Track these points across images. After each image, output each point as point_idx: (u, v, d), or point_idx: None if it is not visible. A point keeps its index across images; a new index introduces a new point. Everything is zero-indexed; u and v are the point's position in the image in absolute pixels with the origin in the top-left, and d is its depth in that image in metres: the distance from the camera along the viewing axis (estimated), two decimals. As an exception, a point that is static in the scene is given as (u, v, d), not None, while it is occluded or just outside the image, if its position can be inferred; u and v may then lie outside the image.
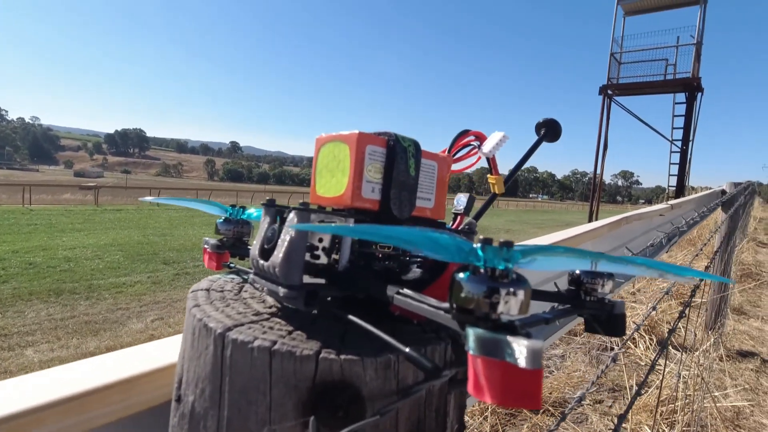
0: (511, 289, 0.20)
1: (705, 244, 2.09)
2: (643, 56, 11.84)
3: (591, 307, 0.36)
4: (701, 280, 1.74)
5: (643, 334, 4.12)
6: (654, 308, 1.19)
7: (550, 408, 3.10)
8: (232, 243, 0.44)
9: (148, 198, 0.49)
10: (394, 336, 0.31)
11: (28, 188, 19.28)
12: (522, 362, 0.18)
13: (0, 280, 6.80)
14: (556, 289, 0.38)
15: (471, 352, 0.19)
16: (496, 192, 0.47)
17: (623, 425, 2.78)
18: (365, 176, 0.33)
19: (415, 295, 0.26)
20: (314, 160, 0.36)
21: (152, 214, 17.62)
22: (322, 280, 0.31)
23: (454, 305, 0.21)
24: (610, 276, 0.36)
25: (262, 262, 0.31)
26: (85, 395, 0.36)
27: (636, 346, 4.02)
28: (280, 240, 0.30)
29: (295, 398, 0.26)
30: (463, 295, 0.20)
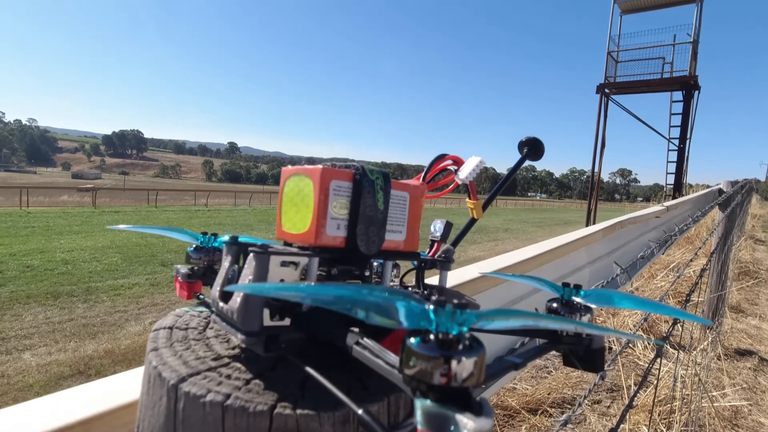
0: (464, 358, 0.18)
1: (701, 246, 2.08)
2: (640, 54, 11.85)
3: (568, 341, 0.35)
4: (698, 280, 1.73)
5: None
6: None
7: (548, 409, 3.09)
8: (203, 272, 0.43)
9: (121, 226, 0.47)
10: (360, 380, 0.30)
11: (25, 190, 19.23)
12: (467, 445, 0.17)
13: (-3, 284, 6.79)
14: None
15: (419, 427, 0.18)
16: (475, 217, 0.46)
17: (622, 426, 2.77)
18: (330, 213, 0.32)
19: (374, 348, 0.24)
20: (280, 193, 0.35)
21: (151, 216, 17.59)
22: (286, 321, 0.30)
23: (404, 371, 0.19)
24: (588, 309, 0.35)
25: (221, 304, 0.30)
26: (44, 438, 0.34)
27: (634, 346, 4.01)
28: (239, 283, 0.28)
29: (249, 455, 0.24)
30: (412, 363, 0.19)
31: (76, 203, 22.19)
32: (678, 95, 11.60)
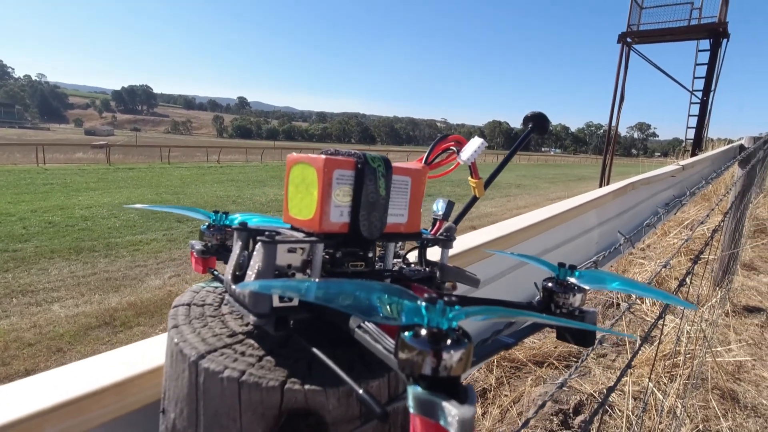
0: (452, 351, 0.20)
1: (716, 205, 2.06)
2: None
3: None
4: (710, 240, 1.73)
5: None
6: (665, 266, 1.19)
7: (554, 362, 3.20)
8: (217, 248, 0.45)
9: (137, 205, 0.50)
10: (361, 356, 0.33)
11: (41, 148, 19.46)
12: (452, 429, 0.19)
13: (22, 239, 7.03)
14: (536, 295, 0.39)
15: (411, 411, 0.20)
16: (477, 195, 0.47)
17: (624, 378, 2.87)
18: (333, 200, 0.33)
19: (374, 332, 0.27)
20: (286, 178, 0.36)
21: (164, 173, 17.77)
22: (294, 302, 0.32)
23: (399, 360, 0.22)
24: (581, 289, 0.37)
25: (234, 287, 0.32)
26: (81, 399, 0.38)
27: (642, 302, 4.07)
28: (249, 270, 0.30)
29: (264, 425, 0.27)
30: (404, 354, 0.21)
31: (90, 160, 22.45)
32: (705, 44, 11.02)
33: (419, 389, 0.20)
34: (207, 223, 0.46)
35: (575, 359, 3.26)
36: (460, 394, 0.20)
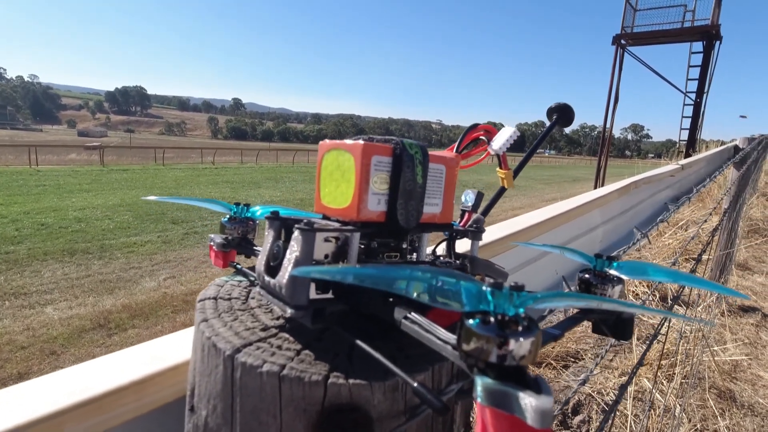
0: (521, 338, 0.19)
1: (715, 207, 2.07)
2: (660, 1, 11.25)
3: (600, 311, 0.36)
4: (710, 239, 1.74)
5: (646, 290, 4.17)
6: (674, 264, 1.18)
7: (552, 362, 3.20)
8: (238, 242, 0.44)
9: (152, 197, 0.48)
10: (401, 349, 0.31)
11: (34, 149, 19.26)
12: (531, 421, 0.18)
13: (15, 241, 6.94)
14: (557, 287, 0.38)
15: (479, 402, 0.19)
16: (506, 186, 0.46)
17: (623, 378, 2.87)
18: (371, 188, 0.32)
19: (423, 323, 0.25)
20: (318, 166, 0.35)
21: (158, 174, 17.64)
22: (329, 294, 0.31)
23: (462, 349, 0.20)
24: (620, 281, 0.36)
25: (268, 279, 0.31)
26: (101, 398, 0.37)
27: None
28: (285, 260, 0.29)
29: (305, 421, 0.26)
30: (471, 342, 0.20)
31: (84, 161, 22.26)
32: (698, 46, 11.12)
33: (489, 380, 0.19)
34: (228, 216, 0.44)
35: (573, 359, 3.26)
36: (532, 384, 0.19)
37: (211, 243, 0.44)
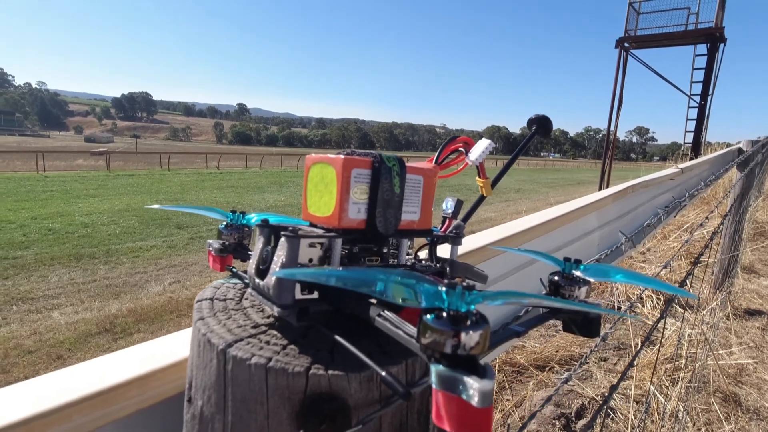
0: (471, 331, 0.22)
1: (715, 209, 2.08)
2: (663, 5, 11.26)
3: (567, 311, 0.38)
4: (709, 243, 1.75)
5: (651, 293, 4.16)
6: (666, 266, 1.20)
7: (556, 366, 3.20)
8: (234, 247, 0.47)
9: (155, 206, 0.51)
10: (380, 345, 0.34)
11: (41, 155, 19.49)
12: (474, 401, 0.21)
13: (22, 246, 7.03)
14: (541, 291, 0.41)
15: (433, 387, 0.22)
16: (484, 194, 0.49)
17: (627, 381, 2.87)
18: (351, 198, 0.35)
19: (394, 320, 0.28)
20: (305, 178, 0.38)
21: (164, 179, 17.80)
22: (314, 295, 0.34)
23: (421, 342, 0.23)
24: (586, 282, 0.39)
25: (258, 280, 0.34)
26: (106, 392, 0.40)
27: (644, 306, 4.07)
28: (273, 264, 0.32)
29: (289, 409, 0.29)
30: (428, 335, 0.23)
31: (90, 167, 22.49)
32: (702, 48, 11.11)
33: (441, 367, 0.22)
34: (225, 223, 0.47)
35: (576, 363, 3.26)
36: (479, 370, 0.22)
37: (210, 248, 0.48)
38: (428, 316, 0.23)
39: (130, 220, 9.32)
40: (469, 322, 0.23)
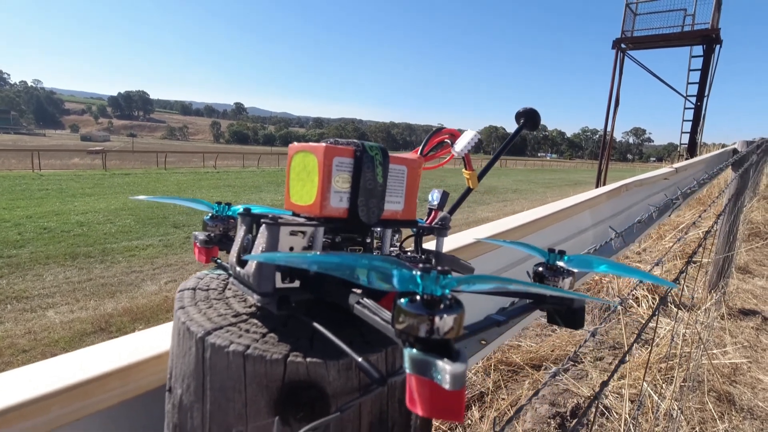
0: (445, 315, 0.22)
1: (707, 208, 2.09)
2: (660, 6, 11.30)
3: (552, 301, 0.38)
4: (703, 239, 1.76)
5: (647, 293, 4.17)
6: (657, 264, 1.20)
7: (551, 365, 3.21)
8: (219, 238, 0.47)
9: (141, 197, 0.51)
10: (362, 335, 0.34)
11: (36, 153, 19.40)
12: (445, 384, 0.20)
13: (17, 245, 7.00)
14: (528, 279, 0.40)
15: (407, 371, 0.22)
16: (471, 186, 0.49)
17: (621, 381, 2.88)
18: (333, 187, 0.35)
19: (372, 307, 0.28)
20: (287, 167, 0.38)
21: (160, 178, 17.74)
22: (296, 283, 0.34)
23: (396, 326, 0.23)
24: (570, 273, 0.39)
25: (238, 269, 0.34)
26: (87, 383, 0.40)
27: (639, 305, 4.09)
28: (253, 251, 0.32)
29: (267, 397, 0.29)
30: (401, 319, 0.23)
31: (87, 166, 22.40)
32: (698, 50, 11.15)
33: (414, 351, 0.22)
34: (210, 214, 0.47)
35: (572, 362, 3.27)
36: (452, 354, 0.22)
37: (195, 240, 0.47)
38: (402, 300, 0.23)
39: (126, 219, 9.28)
40: (442, 306, 0.22)
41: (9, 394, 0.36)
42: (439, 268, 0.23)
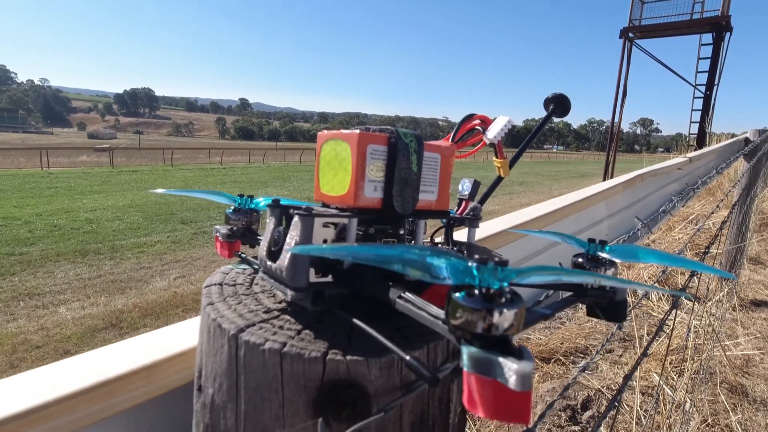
0: (505, 310, 0.20)
1: (723, 198, 2.05)
2: (668, -7, 11.11)
3: (593, 294, 0.37)
4: (718, 233, 1.73)
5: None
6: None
7: (561, 357, 3.19)
8: (242, 232, 0.45)
9: (160, 190, 0.50)
10: (399, 329, 0.33)
11: (45, 151, 19.53)
12: (512, 384, 0.19)
13: (28, 243, 7.06)
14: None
15: (465, 369, 0.20)
16: (502, 175, 0.47)
17: (633, 373, 2.86)
18: (367, 176, 0.33)
19: (416, 301, 0.27)
20: (317, 155, 0.36)
21: (167, 175, 17.82)
22: (329, 278, 0.32)
23: (450, 322, 0.22)
24: (612, 264, 0.37)
25: (269, 263, 0.32)
26: (111, 382, 0.39)
27: (648, 298, 4.05)
28: (286, 244, 0.31)
29: (306, 396, 0.27)
30: (458, 314, 0.21)
31: (94, 163, 22.54)
32: (707, 38, 10.96)
33: (474, 349, 0.20)
34: (232, 207, 0.46)
35: (582, 355, 3.25)
36: (515, 352, 0.20)
37: (217, 234, 0.46)
38: (458, 294, 0.21)
39: (134, 215, 9.34)
40: (503, 300, 0.21)
41: (34, 393, 0.35)
42: (496, 259, 0.22)
